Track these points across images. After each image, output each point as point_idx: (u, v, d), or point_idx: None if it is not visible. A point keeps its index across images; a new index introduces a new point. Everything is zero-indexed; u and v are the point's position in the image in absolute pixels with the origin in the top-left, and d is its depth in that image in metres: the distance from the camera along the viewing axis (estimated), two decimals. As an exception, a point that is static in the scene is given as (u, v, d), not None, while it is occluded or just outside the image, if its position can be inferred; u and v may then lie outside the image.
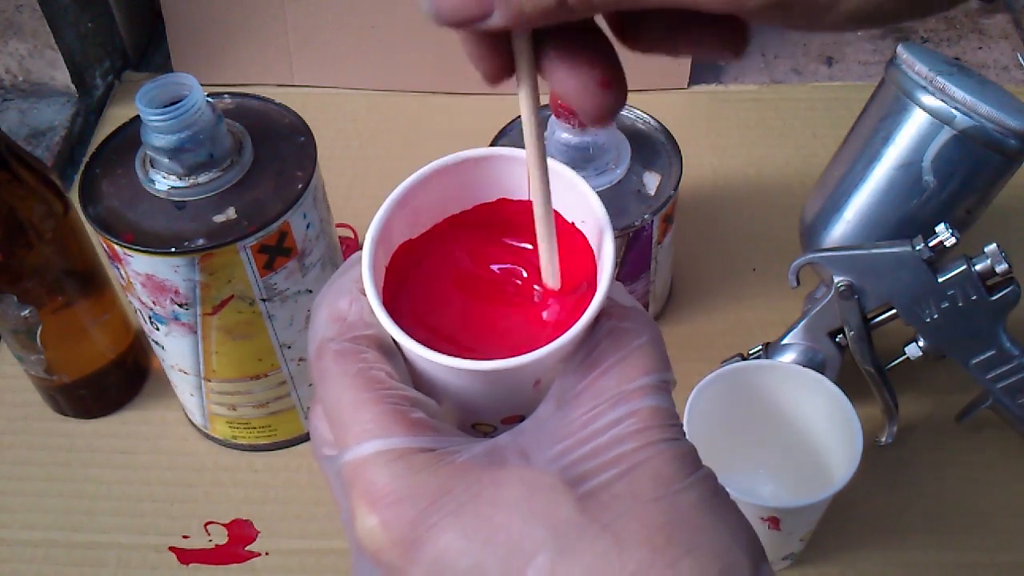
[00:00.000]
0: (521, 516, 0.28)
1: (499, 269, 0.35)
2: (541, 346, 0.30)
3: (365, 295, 0.32)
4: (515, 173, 0.34)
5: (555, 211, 0.34)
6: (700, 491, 0.29)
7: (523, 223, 0.34)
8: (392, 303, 0.33)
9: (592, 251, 0.34)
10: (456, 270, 0.35)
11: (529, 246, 0.35)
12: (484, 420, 0.34)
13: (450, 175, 0.34)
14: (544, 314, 0.34)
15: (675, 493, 0.28)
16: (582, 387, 0.30)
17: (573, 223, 0.34)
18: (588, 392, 0.30)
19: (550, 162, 0.32)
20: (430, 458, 0.29)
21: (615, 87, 0.28)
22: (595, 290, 0.31)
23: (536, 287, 0.34)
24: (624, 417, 0.29)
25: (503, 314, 0.34)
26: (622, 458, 0.29)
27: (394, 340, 0.31)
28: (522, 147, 0.31)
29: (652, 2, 0.25)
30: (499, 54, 0.28)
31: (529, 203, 0.34)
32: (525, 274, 0.35)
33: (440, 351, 0.30)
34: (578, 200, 0.33)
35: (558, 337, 0.30)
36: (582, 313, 0.31)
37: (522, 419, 0.32)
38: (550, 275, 0.33)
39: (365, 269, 0.32)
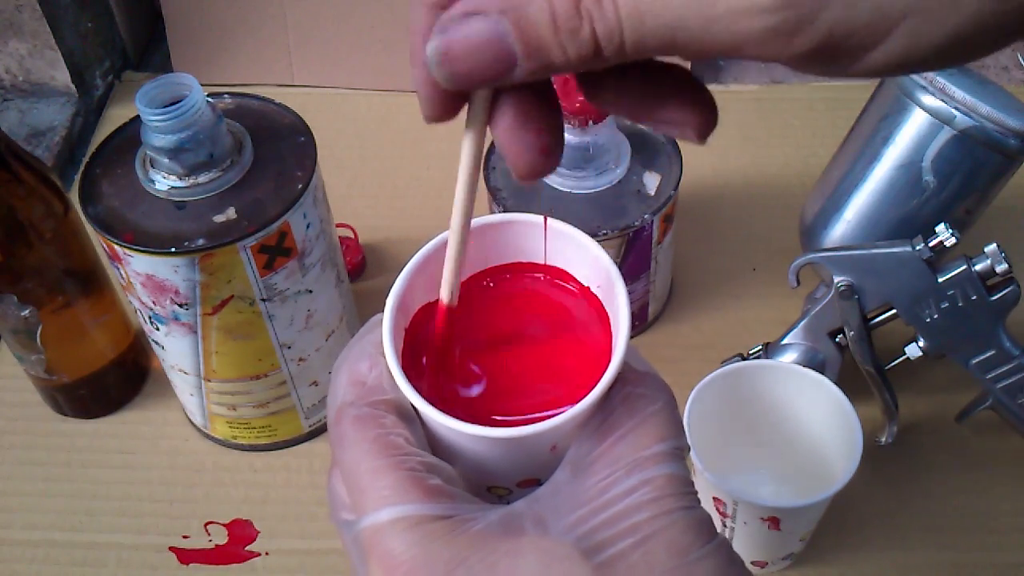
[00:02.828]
0: None
1: (516, 330, 0.35)
2: (559, 409, 0.30)
3: (385, 358, 0.32)
4: (531, 237, 0.35)
5: (572, 276, 0.35)
6: (715, 561, 0.29)
7: (539, 286, 0.36)
8: (411, 365, 0.33)
9: (608, 316, 0.34)
10: (473, 331, 0.35)
11: (547, 306, 0.36)
12: (500, 484, 0.34)
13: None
14: (562, 377, 0.34)
15: (690, 563, 0.28)
16: (598, 454, 0.30)
17: (589, 287, 0.35)
18: (604, 459, 0.30)
19: (569, 228, 0.34)
20: (447, 526, 0.29)
21: (553, 155, 0.28)
22: (611, 355, 0.32)
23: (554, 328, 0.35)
24: (639, 485, 0.29)
25: (520, 376, 0.34)
26: (638, 527, 0.29)
27: (412, 405, 0.31)
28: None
29: (691, 50, 0.24)
30: (453, 99, 0.27)
31: (544, 266, 0.35)
32: (542, 335, 0.35)
33: (458, 412, 0.31)
34: (593, 266, 0.34)
35: (575, 403, 0.30)
36: (599, 377, 0.31)
37: (538, 482, 0.32)
38: (447, 292, 0.33)
39: (386, 334, 0.32)
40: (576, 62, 0.25)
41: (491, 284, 0.36)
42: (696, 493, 0.30)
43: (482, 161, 0.30)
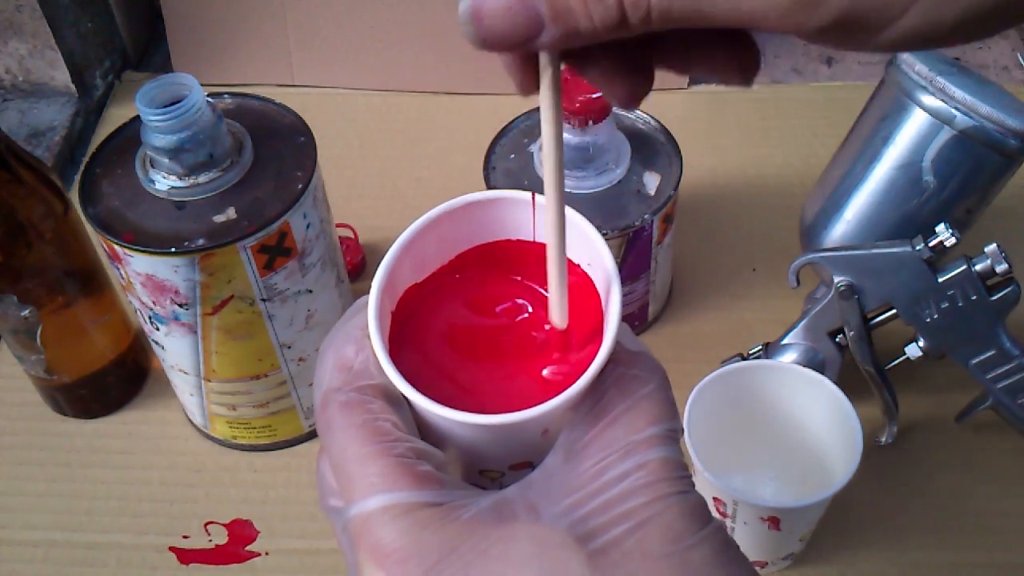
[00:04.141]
0: (531, 575, 0.27)
1: (504, 310, 0.35)
2: (549, 392, 0.30)
3: (371, 341, 0.31)
4: (518, 214, 0.34)
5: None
6: (711, 546, 0.28)
7: (527, 263, 0.35)
8: (398, 348, 0.33)
9: (599, 295, 0.34)
10: (462, 312, 0.35)
11: (534, 285, 0.35)
12: (491, 467, 0.34)
13: (454, 218, 0.34)
14: (552, 358, 0.34)
15: (686, 549, 0.28)
16: (590, 437, 0.30)
17: (579, 265, 0.34)
18: (596, 443, 0.30)
19: None
20: (437, 513, 0.29)
21: (648, 75, 0.29)
22: (602, 335, 0.31)
23: (546, 326, 0.34)
24: (633, 469, 0.29)
25: (510, 357, 0.34)
26: (632, 513, 0.28)
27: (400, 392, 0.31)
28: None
29: (715, 21, 0.25)
30: (533, 66, 0.28)
31: (533, 243, 0.35)
32: (531, 314, 0.35)
33: (447, 396, 0.30)
34: (584, 243, 0.34)
35: (567, 387, 0.30)
36: (589, 356, 0.30)
37: (530, 465, 0.32)
38: (557, 315, 0.33)
39: (371, 320, 0.31)
40: (602, 30, 0.25)
41: (478, 263, 0.35)
42: (690, 477, 0.30)
43: (562, 137, 0.30)
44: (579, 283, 0.34)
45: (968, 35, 0.24)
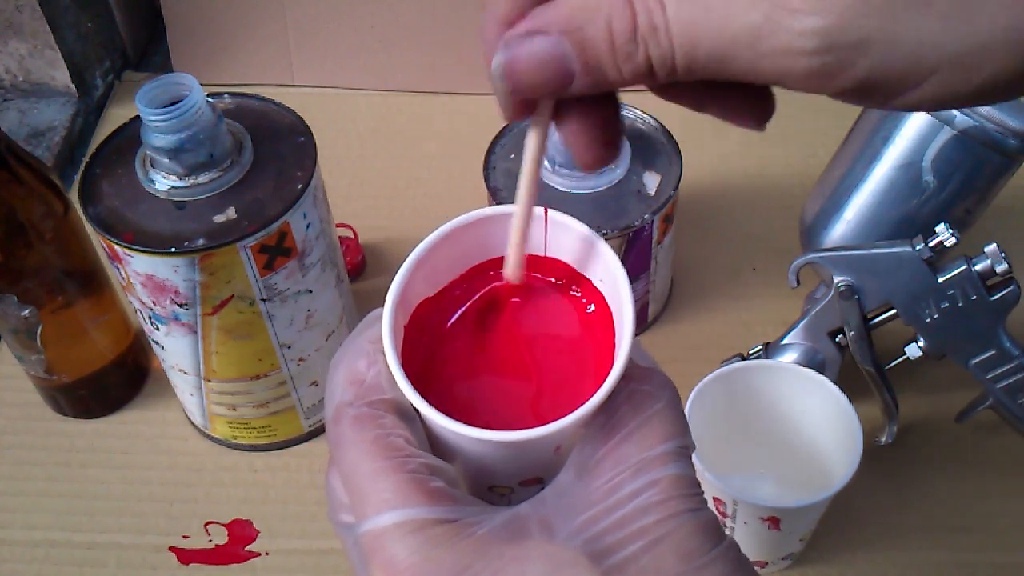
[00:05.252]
0: None
1: (517, 323, 0.35)
2: (562, 407, 0.30)
3: (384, 356, 0.31)
4: (531, 229, 0.34)
5: (573, 269, 0.35)
6: (723, 565, 0.29)
7: (539, 278, 0.35)
8: (411, 362, 0.33)
9: (611, 311, 0.34)
10: (474, 326, 0.35)
11: (549, 300, 0.36)
12: (502, 483, 0.34)
13: (467, 233, 0.34)
14: (565, 371, 0.34)
15: (699, 568, 0.28)
16: (603, 454, 0.30)
17: (591, 280, 0.35)
18: (609, 460, 0.30)
19: (570, 221, 0.34)
20: (450, 530, 0.29)
21: (614, 146, 0.30)
22: (615, 351, 0.31)
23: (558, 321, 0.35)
24: (646, 487, 0.29)
25: (523, 371, 0.34)
26: (645, 531, 0.29)
27: (413, 406, 0.31)
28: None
29: (737, 77, 0.25)
30: (526, 103, 0.29)
31: (544, 258, 0.35)
32: (544, 328, 0.35)
33: (459, 411, 0.30)
34: (596, 259, 0.34)
35: (579, 399, 0.30)
36: (603, 373, 0.30)
37: (540, 481, 0.32)
38: (512, 270, 0.34)
39: (386, 333, 0.31)
40: (630, 80, 0.26)
41: (491, 275, 0.36)
42: (702, 494, 0.30)
43: (543, 154, 0.31)
44: (591, 298, 0.35)
45: (987, 100, 0.25)
